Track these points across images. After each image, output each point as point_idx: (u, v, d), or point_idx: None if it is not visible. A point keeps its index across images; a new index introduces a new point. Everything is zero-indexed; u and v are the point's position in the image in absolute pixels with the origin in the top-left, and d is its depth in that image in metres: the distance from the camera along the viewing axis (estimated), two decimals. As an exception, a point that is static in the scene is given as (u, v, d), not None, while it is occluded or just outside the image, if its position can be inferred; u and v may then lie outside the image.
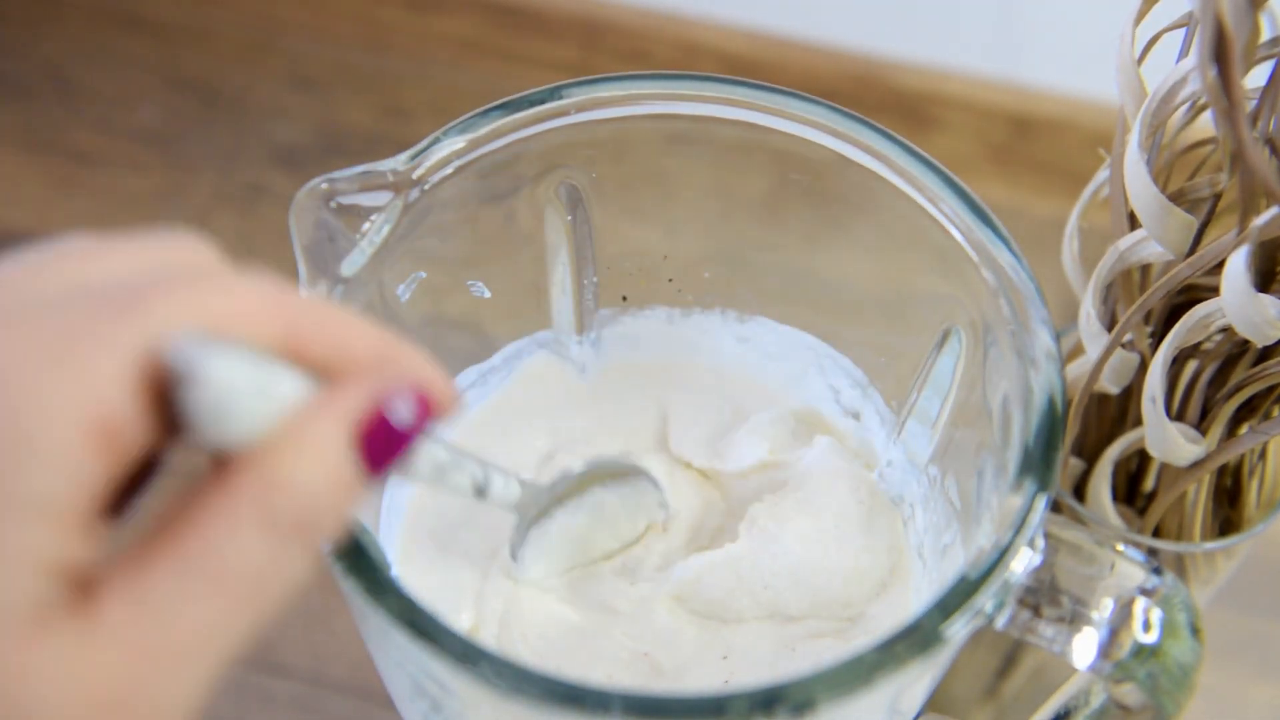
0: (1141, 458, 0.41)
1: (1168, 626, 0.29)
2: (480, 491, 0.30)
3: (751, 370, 0.42)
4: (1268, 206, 0.32)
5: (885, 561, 0.37)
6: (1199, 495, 0.40)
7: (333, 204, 0.32)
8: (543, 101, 0.34)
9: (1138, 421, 0.39)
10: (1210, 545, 0.40)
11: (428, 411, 0.23)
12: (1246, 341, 0.36)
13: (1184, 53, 0.35)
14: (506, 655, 0.26)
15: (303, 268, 0.31)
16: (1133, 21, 0.35)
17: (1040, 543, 0.28)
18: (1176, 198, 0.35)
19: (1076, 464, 0.42)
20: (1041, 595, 0.29)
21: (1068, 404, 0.32)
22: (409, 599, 0.27)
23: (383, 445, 0.22)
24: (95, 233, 0.23)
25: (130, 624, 0.20)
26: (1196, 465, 0.38)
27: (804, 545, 0.36)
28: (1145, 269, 0.38)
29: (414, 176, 0.33)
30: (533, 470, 0.38)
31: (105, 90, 0.66)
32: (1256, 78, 0.33)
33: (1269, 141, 0.32)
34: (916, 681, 0.30)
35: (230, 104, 0.66)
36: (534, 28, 0.68)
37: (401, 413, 0.22)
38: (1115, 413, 0.41)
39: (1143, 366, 0.37)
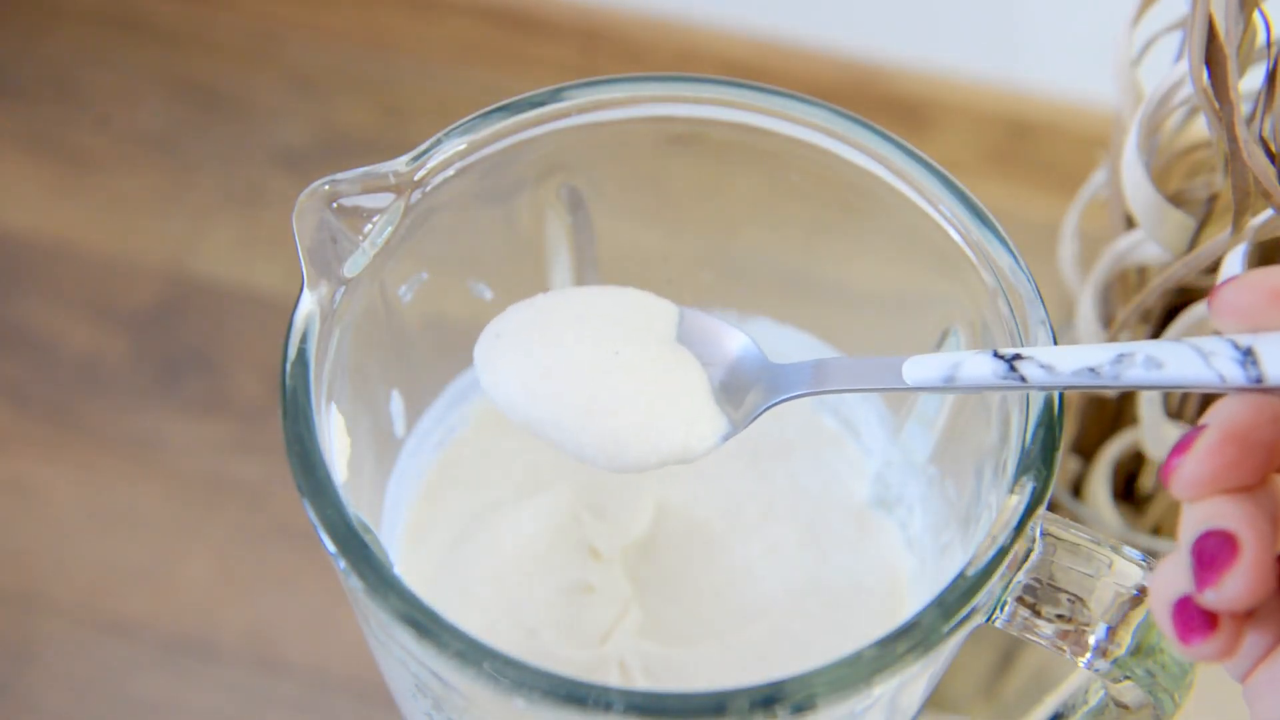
0: (1139, 456, 0.42)
1: (1165, 625, 0.29)
2: None
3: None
4: (1265, 207, 0.32)
5: (858, 557, 0.37)
6: (1196, 495, 0.41)
7: (335, 205, 0.32)
8: (544, 103, 0.34)
9: (1135, 420, 0.39)
10: (1207, 544, 0.40)
11: None
12: (1243, 342, 0.36)
13: (1181, 54, 0.35)
14: (509, 653, 0.26)
15: (306, 268, 0.31)
16: (1129, 23, 0.35)
17: (1039, 541, 0.29)
18: (1174, 198, 0.35)
19: (1075, 463, 0.42)
20: (1040, 593, 0.29)
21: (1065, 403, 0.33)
22: (411, 597, 0.27)
23: None
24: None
25: None
26: (1194, 465, 0.38)
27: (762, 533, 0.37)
28: (1142, 270, 0.38)
29: (415, 178, 0.33)
30: (539, 474, 0.39)
31: (106, 91, 0.66)
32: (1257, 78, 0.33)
33: (1264, 143, 0.33)
34: (916, 679, 0.30)
35: (231, 105, 0.66)
36: (534, 30, 0.68)
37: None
38: (1113, 412, 0.41)
39: (1140, 366, 0.38)
